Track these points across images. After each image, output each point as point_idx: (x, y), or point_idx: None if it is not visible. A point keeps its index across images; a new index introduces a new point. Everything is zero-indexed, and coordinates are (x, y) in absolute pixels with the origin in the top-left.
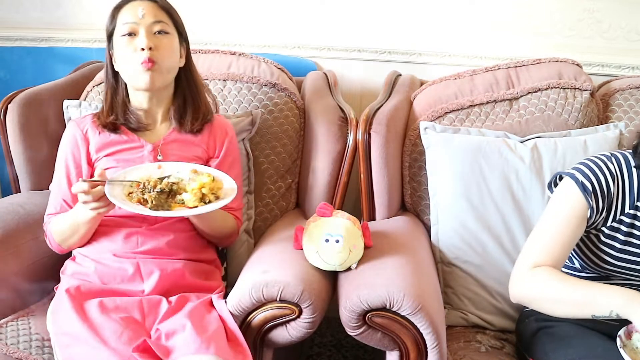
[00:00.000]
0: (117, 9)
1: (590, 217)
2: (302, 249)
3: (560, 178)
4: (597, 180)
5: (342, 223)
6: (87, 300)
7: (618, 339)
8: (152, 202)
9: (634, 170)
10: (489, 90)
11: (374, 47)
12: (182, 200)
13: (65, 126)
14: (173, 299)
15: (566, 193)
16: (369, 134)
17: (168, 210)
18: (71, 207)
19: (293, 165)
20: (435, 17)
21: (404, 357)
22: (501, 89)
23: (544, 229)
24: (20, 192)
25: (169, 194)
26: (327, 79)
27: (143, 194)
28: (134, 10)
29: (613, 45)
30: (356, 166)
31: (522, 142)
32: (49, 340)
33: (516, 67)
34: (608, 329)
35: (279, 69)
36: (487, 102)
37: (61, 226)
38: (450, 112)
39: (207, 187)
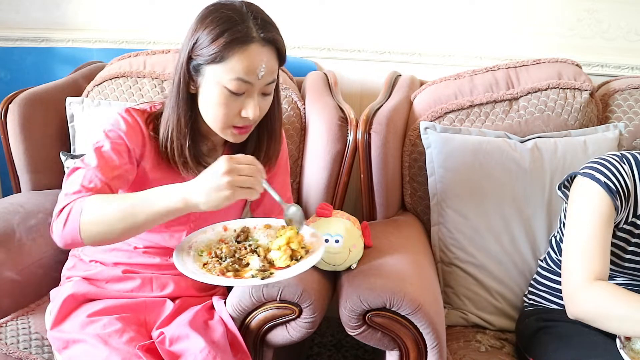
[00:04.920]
0: (230, 45)
1: (616, 217)
2: None
3: (572, 178)
4: (617, 180)
5: (341, 223)
6: (88, 299)
7: (618, 340)
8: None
9: None
10: (488, 91)
11: (374, 47)
12: (272, 260)
13: (65, 126)
14: (177, 300)
15: (591, 196)
16: (369, 134)
17: (268, 275)
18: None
19: (294, 165)
20: (435, 17)
21: (404, 357)
22: (501, 89)
23: (583, 238)
24: (20, 192)
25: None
26: (327, 79)
27: (220, 263)
28: (254, 64)
29: (613, 46)
30: (356, 166)
31: (522, 142)
32: (48, 339)
33: (516, 67)
34: None
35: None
36: (487, 103)
37: (108, 204)
38: (450, 112)
39: (295, 241)
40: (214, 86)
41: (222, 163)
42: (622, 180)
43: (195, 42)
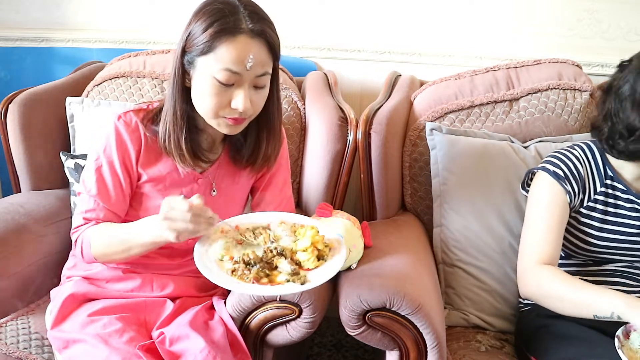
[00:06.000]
0: (218, 35)
1: (571, 201)
2: None
3: (532, 176)
4: (566, 165)
5: (341, 223)
6: (88, 298)
7: (616, 339)
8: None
9: (597, 154)
10: (489, 91)
11: (374, 47)
12: (299, 262)
13: (65, 126)
14: (177, 300)
15: (541, 185)
16: (369, 134)
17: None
18: (118, 217)
19: (294, 165)
20: (435, 17)
21: (404, 357)
22: (501, 89)
23: (533, 224)
24: (20, 192)
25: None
26: (327, 79)
27: (249, 270)
28: (242, 54)
29: (613, 46)
30: (356, 166)
31: (525, 147)
32: (48, 339)
33: (516, 67)
34: (608, 327)
35: (280, 69)
36: (487, 103)
37: (108, 239)
38: (451, 112)
39: (320, 241)
40: (205, 77)
41: (159, 216)
42: (572, 164)
43: (189, 35)
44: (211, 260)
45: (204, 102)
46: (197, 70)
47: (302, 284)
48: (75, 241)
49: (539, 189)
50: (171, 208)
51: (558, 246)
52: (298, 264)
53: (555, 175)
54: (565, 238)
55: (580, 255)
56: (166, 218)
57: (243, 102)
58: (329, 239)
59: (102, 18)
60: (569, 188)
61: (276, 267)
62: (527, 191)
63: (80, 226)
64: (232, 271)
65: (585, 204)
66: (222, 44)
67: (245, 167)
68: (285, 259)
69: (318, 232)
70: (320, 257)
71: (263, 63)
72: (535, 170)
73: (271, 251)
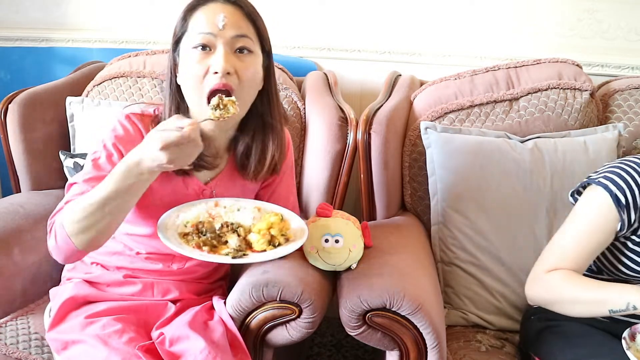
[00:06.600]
0: (190, 11)
1: (621, 229)
2: (302, 249)
3: (586, 185)
4: (631, 192)
5: (341, 223)
6: (89, 301)
7: (623, 341)
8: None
9: None
10: (489, 91)
11: (374, 47)
12: (250, 242)
13: (65, 126)
14: (177, 302)
15: (598, 203)
16: (369, 134)
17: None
18: None
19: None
20: (435, 17)
21: (404, 357)
22: (501, 89)
23: (569, 234)
24: (20, 192)
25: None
26: (327, 79)
27: (199, 236)
28: (213, 16)
29: (613, 46)
30: (356, 166)
31: (522, 142)
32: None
33: (516, 67)
34: (613, 328)
35: (280, 69)
36: (487, 103)
37: (81, 203)
38: (450, 112)
39: (277, 227)
40: (185, 53)
41: (155, 144)
42: (638, 191)
43: (174, 30)
44: (175, 223)
45: (186, 76)
46: (181, 54)
47: (233, 258)
48: (50, 229)
49: (593, 206)
50: (166, 130)
51: (585, 265)
52: (249, 245)
53: (616, 200)
54: (605, 258)
55: (612, 274)
56: (167, 147)
57: (220, 59)
58: (293, 229)
59: (102, 18)
60: (625, 217)
61: (226, 242)
62: (576, 200)
63: (58, 211)
64: (185, 234)
65: (638, 232)
66: (194, 15)
67: (252, 178)
68: (238, 236)
69: (282, 219)
70: (272, 243)
71: (239, 25)
72: (592, 183)
73: (227, 226)
